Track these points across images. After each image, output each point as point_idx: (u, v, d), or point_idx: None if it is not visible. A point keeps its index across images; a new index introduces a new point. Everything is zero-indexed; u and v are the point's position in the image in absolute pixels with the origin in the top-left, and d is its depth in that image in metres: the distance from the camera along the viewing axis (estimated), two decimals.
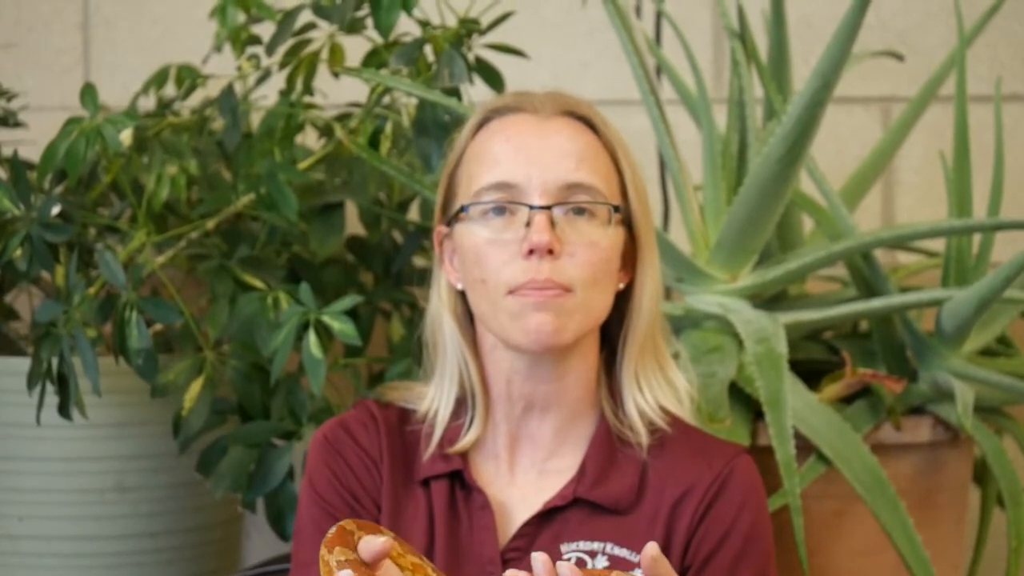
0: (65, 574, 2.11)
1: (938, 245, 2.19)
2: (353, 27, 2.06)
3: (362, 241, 2.22)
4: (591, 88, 2.32)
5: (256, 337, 1.96)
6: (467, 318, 1.68)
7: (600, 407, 1.68)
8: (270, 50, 2.12)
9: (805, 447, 1.86)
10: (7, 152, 2.05)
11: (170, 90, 2.26)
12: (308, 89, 2.12)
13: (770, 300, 2.09)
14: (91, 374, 1.91)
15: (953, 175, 2.05)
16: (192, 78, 2.22)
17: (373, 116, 2.10)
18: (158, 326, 2.07)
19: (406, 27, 2.05)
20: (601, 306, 1.64)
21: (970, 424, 1.87)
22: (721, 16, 2.14)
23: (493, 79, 2.04)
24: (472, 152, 1.66)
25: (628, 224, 1.66)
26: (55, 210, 1.94)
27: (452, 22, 2.03)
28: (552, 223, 1.60)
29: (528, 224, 1.60)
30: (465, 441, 1.67)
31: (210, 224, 2.07)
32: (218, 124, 2.19)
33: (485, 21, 2.03)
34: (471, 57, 2.02)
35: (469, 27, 2.01)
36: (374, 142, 2.09)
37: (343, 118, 2.15)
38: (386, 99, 2.13)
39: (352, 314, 1.89)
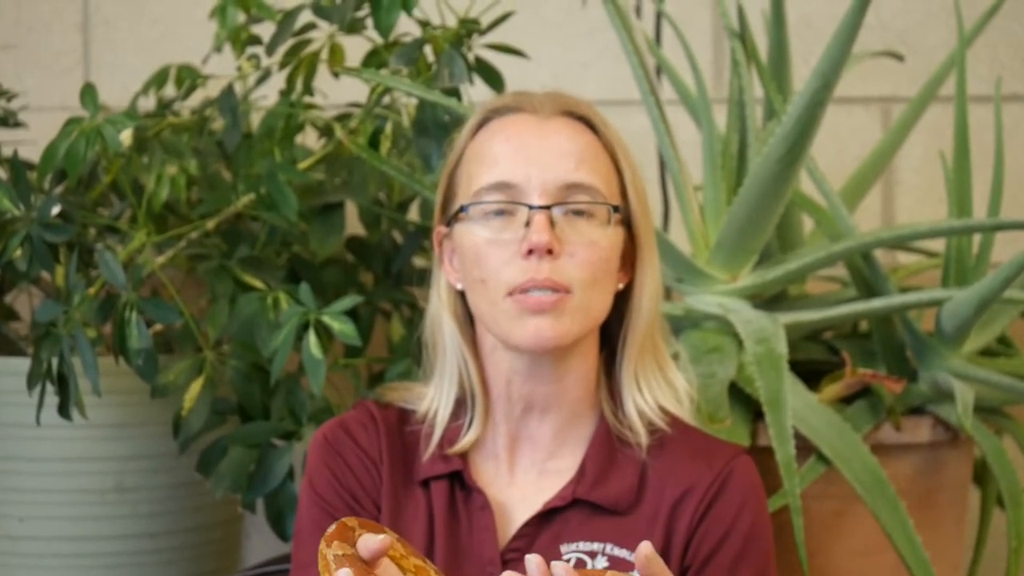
0: (65, 574, 2.10)
1: (938, 245, 2.19)
2: (353, 27, 2.06)
3: (362, 241, 2.22)
4: (591, 88, 2.32)
5: (256, 337, 1.96)
6: (467, 318, 1.68)
7: (600, 407, 1.68)
8: (270, 50, 2.12)
9: (805, 447, 1.86)
10: (7, 152, 2.05)
11: (170, 90, 2.26)
12: (308, 89, 2.12)
13: (770, 300, 2.09)
14: (91, 374, 1.91)
15: (953, 175, 2.05)
16: (192, 78, 2.22)
17: (373, 116, 2.10)
18: (158, 326, 2.07)
19: (406, 27, 2.05)
20: (601, 306, 1.63)
21: (970, 424, 1.87)
22: (721, 16, 2.14)
23: (493, 79, 2.04)
24: (472, 152, 1.66)
25: (628, 224, 1.66)
26: (55, 210, 1.94)
27: (452, 22, 2.03)
28: (551, 223, 1.60)
29: (528, 224, 1.60)
30: (465, 441, 1.67)
31: (210, 224, 2.07)
32: (218, 124, 2.19)
33: (485, 21, 2.03)
34: (471, 57, 2.02)
35: (469, 27, 2.01)
36: (374, 142, 2.09)
37: (343, 118, 2.15)
38: (386, 99, 2.13)
39: (352, 314, 1.89)
